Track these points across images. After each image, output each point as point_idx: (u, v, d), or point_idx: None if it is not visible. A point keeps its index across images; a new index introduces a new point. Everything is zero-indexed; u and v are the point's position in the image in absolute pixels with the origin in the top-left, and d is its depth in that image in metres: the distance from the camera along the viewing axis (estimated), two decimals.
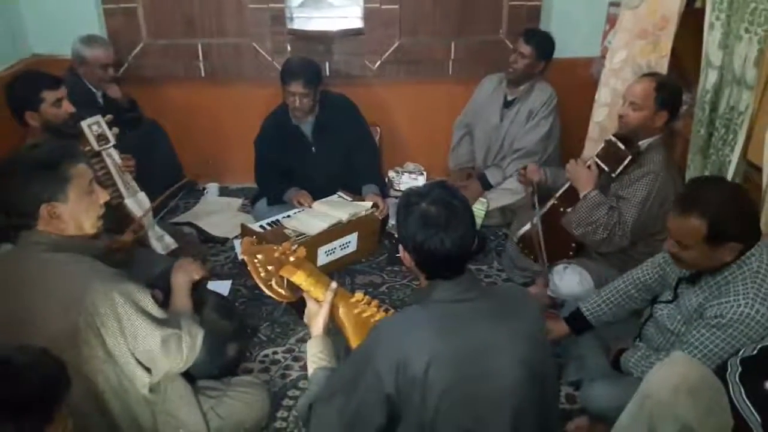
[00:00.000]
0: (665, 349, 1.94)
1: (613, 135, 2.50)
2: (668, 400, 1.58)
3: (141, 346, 1.60)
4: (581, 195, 2.51)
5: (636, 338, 2.09)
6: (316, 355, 1.63)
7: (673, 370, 1.65)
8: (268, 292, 1.65)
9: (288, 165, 3.19)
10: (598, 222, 2.43)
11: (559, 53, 3.36)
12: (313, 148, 3.19)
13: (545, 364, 1.48)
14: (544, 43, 3.21)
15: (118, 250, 2.16)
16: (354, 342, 1.65)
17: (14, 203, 1.58)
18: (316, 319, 1.67)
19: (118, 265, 1.71)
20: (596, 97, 3.03)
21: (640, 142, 2.44)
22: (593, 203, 2.46)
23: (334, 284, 1.69)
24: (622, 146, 2.44)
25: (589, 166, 2.56)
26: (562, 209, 2.63)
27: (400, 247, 1.54)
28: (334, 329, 1.77)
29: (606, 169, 2.50)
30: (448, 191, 1.47)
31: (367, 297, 1.74)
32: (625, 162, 2.43)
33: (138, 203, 2.55)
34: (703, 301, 1.82)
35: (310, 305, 1.69)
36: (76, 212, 1.64)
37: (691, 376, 1.61)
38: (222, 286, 2.82)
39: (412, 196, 1.48)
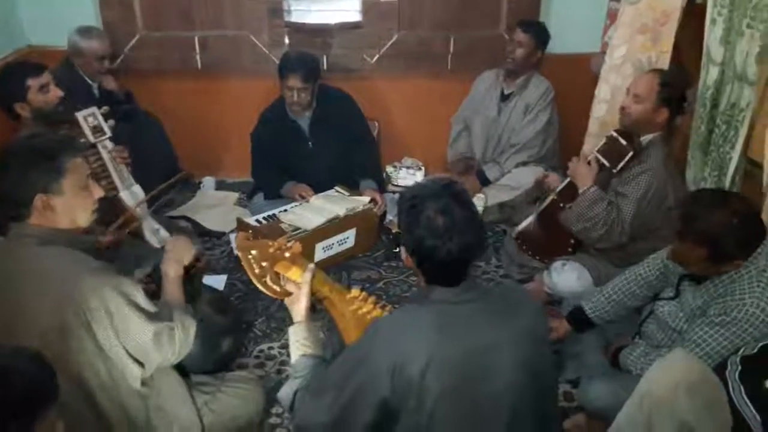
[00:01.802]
0: (666, 346, 1.92)
1: (615, 130, 2.49)
2: (667, 398, 1.56)
3: (133, 340, 1.57)
4: (580, 191, 2.50)
5: (635, 335, 2.08)
6: (299, 341, 1.59)
7: (672, 367, 1.63)
8: (262, 289, 1.63)
9: (284, 159, 3.17)
10: (597, 218, 2.41)
11: (558, 48, 3.34)
12: (310, 143, 3.17)
13: (545, 365, 1.46)
14: (540, 33, 3.20)
15: (107, 248, 2.13)
16: (349, 338, 1.63)
17: (9, 191, 1.56)
18: (297, 303, 1.62)
19: (108, 258, 1.69)
20: (596, 92, 3.01)
21: (642, 138, 2.42)
22: (592, 199, 2.44)
23: (311, 265, 1.65)
24: (623, 141, 2.43)
25: (589, 162, 2.54)
26: (561, 205, 2.61)
27: (402, 247, 1.50)
28: (330, 326, 1.75)
29: (607, 164, 2.48)
30: (456, 196, 1.41)
31: (364, 293, 1.72)
32: (627, 157, 2.41)
33: (133, 195, 2.54)
34: (707, 299, 1.81)
35: (290, 288, 1.63)
36: (71, 206, 1.62)
37: (690, 374, 1.60)
38: (217, 281, 2.80)
39: (416, 198, 1.42)
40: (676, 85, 2.41)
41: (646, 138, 2.43)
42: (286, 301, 1.67)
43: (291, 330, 1.63)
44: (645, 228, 2.43)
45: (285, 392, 1.54)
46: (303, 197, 3.03)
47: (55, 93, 2.41)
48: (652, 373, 1.66)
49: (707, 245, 1.72)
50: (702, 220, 1.73)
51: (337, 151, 3.18)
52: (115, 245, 2.21)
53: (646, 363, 1.86)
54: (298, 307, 1.62)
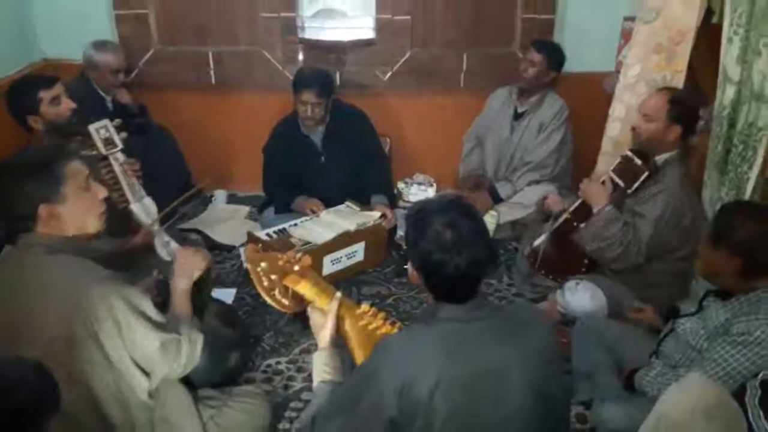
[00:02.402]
0: (684, 365, 1.87)
1: (630, 150, 2.46)
2: (684, 423, 1.51)
3: (139, 350, 1.56)
4: (595, 210, 2.46)
5: (652, 354, 2.02)
6: (321, 368, 1.58)
7: (689, 391, 1.58)
8: (270, 302, 1.61)
9: (296, 174, 3.16)
10: (613, 238, 2.38)
11: (572, 67, 3.33)
12: (322, 158, 3.16)
13: (556, 386, 1.43)
14: (554, 53, 3.18)
15: (129, 251, 2.18)
16: (358, 354, 1.60)
17: (11, 206, 1.56)
18: (323, 331, 1.61)
19: (118, 268, 1.67)
20: (610, 111, 2.99)
21: (657, 157, 2.39)
22: (608, 218, 2.41)
23: (338, 293, 1.65)
24: (638, 161, 2.40)
25: (603, 182, 2.51)
26: (575, 224, 2.58)
27: (409, 264, 1.48)
28: (339, 341, 1.73)
29: (621, 184, 2.45)
30: (464, 211, 1.39)
31: (373, 309, 1.69)
32: (642, 178, 2.38)
33: (144, 208, 2.53)
34: (730, 317, 1.77)
35: (316, 317, 1.64)
36: (77, 212, 1.62)
37: (708, 398, 1.55)
38: (226, 294, 2.79)
39: (423, 212, 1.40)
40: (685, 102, 2.39)
41: (661, 157, 2.40)
42: (312, 327, 1.66)
43: (315, 356, 1.61)
44: (662, 248, 2.39)
45: (304, 417, 1.53)
46: (314, 212, 3.02)
47: (67, 105, 2.42)
48: (668, 396, 1.61)
49: (742, 256, 1.70)
50: (739, 230, 1.71)
51: (349, 166, 3.17)
52: (145, 246, 2.30)
53: (663, 383, 1.82)
54: (323, 335, 1.61)
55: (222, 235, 3.34)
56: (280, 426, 2.13)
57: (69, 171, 1.61)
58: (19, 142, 2.49)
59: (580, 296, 2.46)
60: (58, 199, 1.58)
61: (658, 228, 2.34)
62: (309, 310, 1.66)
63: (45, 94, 2.37)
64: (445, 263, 1.34)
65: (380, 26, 3.52)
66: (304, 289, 1.65)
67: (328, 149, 3.16)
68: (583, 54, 3.45)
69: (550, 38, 3.48)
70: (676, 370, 1.87)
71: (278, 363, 2.44)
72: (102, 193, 1.70)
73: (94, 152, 2.40)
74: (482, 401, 1.31)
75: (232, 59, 3.58)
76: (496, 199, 3.31)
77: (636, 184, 2.41)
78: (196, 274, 1.83)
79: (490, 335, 1.37)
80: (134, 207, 2.49)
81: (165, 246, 2.58)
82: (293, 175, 3.17)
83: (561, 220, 2.71)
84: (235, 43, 3.57)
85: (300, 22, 3.55)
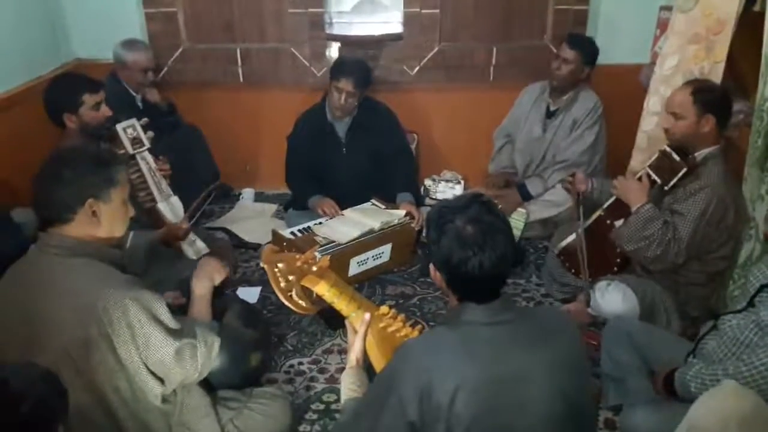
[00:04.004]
0: (729, 359, 1.76)
1: (668, 145, 2.36)
2: None
3: (153, 356, 1.56)
4: (633, 208, 2.37)
5: (689, 355, 1.93)
6: (349, 387, 1.56)
7: (723, 398, 1.51)
8: (287, 304, 1.59)
9: (318, 163, 3.16)
10: (652, 237, 2.28)
11: (606, 59, 3.23)
12: (344, 149, 3.15)
13: (583, 392, 1.37)
14: (589, 48, 3.09)
15: (173, 239, 2.36)
16: (375, 357, 1.58)
17: (60, 193, 1.57)
18: (351, 352, 1.61)
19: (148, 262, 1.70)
20: (645, 105, 2.89)
21: (696, 153, 2.30)
22: (647, 217, 2.31)
23: (367, 315, 1.60)
24: (677, 157, 2.30)
25: (639, 178, 2.42)
26: (608, 222, 2.50)
27: (431, 265, 1.44)
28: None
29: (659, 181, 2.36)
30: (485, 207, 1.35)
31: (393, 311, 1.66)
32: (680, 174, 2.28)
33: (170, 207, 2.54)
34: None
35: (349, 336, 1.64)
36: (115, 217, 1.65)
37: (743, 407, 1.47)
38: (251, 293, 2.79)
39: (445, 210, 1.37)
40: (710, 89, 2.29)
41: (701, 153, 2.30)
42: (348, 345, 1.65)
43: (343, 375, 1.60)
44: (703, 248, 2.29)
45: None
46: (326, 213, 2.99)
47: (105, 112, 2.45)
48: (701, 404, 1.54)
49: None
50: None
51: (370, 160, 3.15)
52: (186, 233, 2.45)
53: (708, 376, 1.71)
54: (351, 356, 1.61)
55: (248, 233, 3.35)
56: (301, 428, 2.11)
57: (121, 177, 1.66)
58: (42, 143, 2.53)
59: (611, 297, 2.38)
60: (105, 198, 1.61)
61: (698, 227, 2.24)
62: (347, 324, 1.65)
63: (89, 98, 2.40)
64: (467, 260, 1.30)
65: (408, 20, 3.48)
66: (323, 290, 1.63)
67: (350, 140, 3.14)
68: (617, 45, 3.35)
69: (583, 30, 3.39)
70: (723, 362, 1.76)
71: (300, 363, 2.42)
72: (131, 211, 1.74)
73: (122, 151, 2.42)
74: (506, 408, 1.27)
75: (260, 56, 3.58)
76: (526, 197, 3.23)
77: (673, 181, 2.31)
78: (217, 279, 1.87)
79: (515, 340, 1.32)
80: (161, 206, 2.50)
81: (191, 245, 2.59)
82: (315, 164, 3.16)
83: (594, 217, 2.63)
84: (263, 40, 3.57)
85: (328, 18, 3.53)
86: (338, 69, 3.00)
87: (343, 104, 3.01)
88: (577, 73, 3.09)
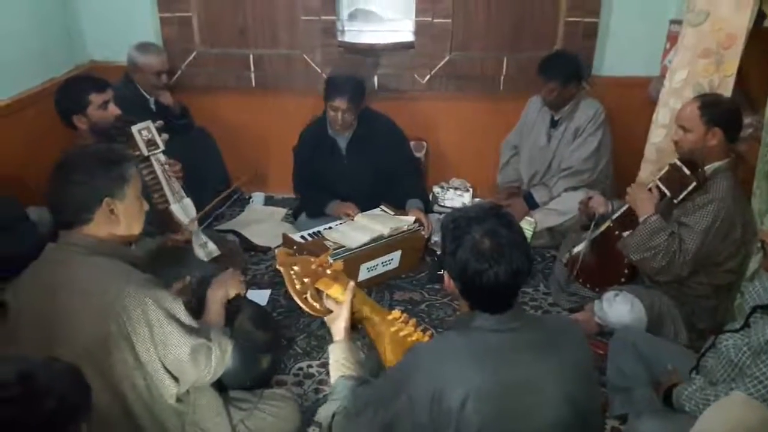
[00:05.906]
0: (724, 382, 1.80)
1: (678, 159, 2.39)
2: None
3: (170, 355, 1.58)
4: (641, 219, 2.39)
5: (692, 370, 1.95)
6: (339, 361, 1.56)
7: (730, 410, 1.53)
8: (302, 305, 1.60)
9: (320, 175, 3.19)
10: (658, 248, 2.30)
11: (615, 71, 3.25)
12: (345, 161, 3.18)
13: (591, 399, 1.39)
14: (564, 70, 3.08)
15: (173, 247, 2.30)
16: (388, 360, 1.59)
17: (76, 196, 1.59)
18: (337, 322, 1.60)
19: (159, 265, 1.71)
20: (654, 117, 2.91)
21: (706, 167, 2.32)
22: (653, 228, 2.33)
23: (351, 283, 1.62)
24: (686, 171, 2.32)
25: (650, 189, 2.44)
26: (617, 232, 2.51)
27: (445, 273, 1.46)
28: (369, 345, 1.72)
29: (668, 193, 2.38)
30: (502, 219, 1.37)
31: (404, 315, 1.68)
32: (690, 188, 2.30)
33: (183, 209, 2.56)
34: None
35: (330, 306, 1.62)
36: (131, 213, 1.67)
37: (749, 419, 1.49)
38: (261, 296, 2.81)
39: (461, 220, 1.38)
40: (717, 103, 2.32)
41: (711, 167, 2.32)
42: (327, 318, 1.64)
43: (331, 348, 1.60)
44: (710, 261, 2.31)
45: (324, 414, 1.52)
46: (348, 215, 3.02)
47: (113, 111, 2.47)
48: (708, 416, 1.56)
49: None
50: None
51: (371, 172, 3.18)
52: (186, 243, 2.45)
53: (701, 399, 1.75)
54: (338, 326, 1.60)
55: (258, 236, 3.37)
56: (309, 430, 2.12)
57: (133, 174, 1.68)
58: (57, 143, 2.56)
59: (619, 308, 2.40)
60: (121, 196, 1.63)
61: (705, 240, 2.26)
62: (324, 297, 1.63)
63: (95, 98, 2.42)
64: (483, 273, 1.32)
65: (420, 29, 3.50)
66: (337, 292, 1.64)
67: (351, 153, 3.17)
68: (627, 58, 3.37)
69: (593, 42, 3.41)
70: (716, 386, 1.79)
71: (309, 366, 2.45)
72: (146, 205, 1.75)
73: (137, 153, 2.45)
74: (516, 414, 1.28)
75: (272, 62, 3.61)
76: (532, 206, 3.26)
77: (683, 194, 2.33)
78: (233, 292, 1.90)
79: (525, 347, 1.34)
80: (174, 208, 2.52)
81: (203, 247, 2.61)
82: (318, 177, 3.19)
83: (603, 227, 2.64)
84: (276, 46, 3.60)
85: (340, 26, 3.56)
86: (331, 89, 3.02)
87: (342, 122, 3.04)
88: (565, 94, 3.11)
